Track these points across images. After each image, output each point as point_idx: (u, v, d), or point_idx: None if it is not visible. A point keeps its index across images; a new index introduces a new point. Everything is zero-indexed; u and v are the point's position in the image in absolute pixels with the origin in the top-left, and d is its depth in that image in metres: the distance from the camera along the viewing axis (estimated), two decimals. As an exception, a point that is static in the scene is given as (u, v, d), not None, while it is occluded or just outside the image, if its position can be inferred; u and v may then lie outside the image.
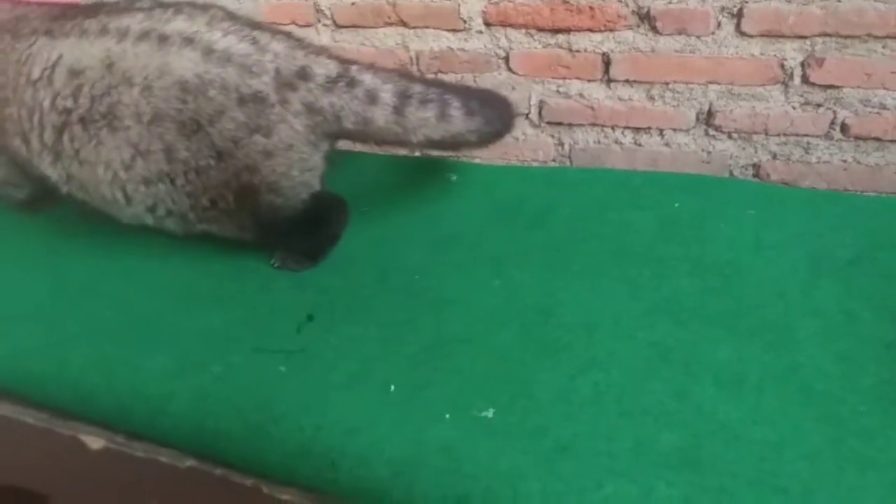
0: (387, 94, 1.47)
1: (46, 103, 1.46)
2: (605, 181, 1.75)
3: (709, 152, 2.21)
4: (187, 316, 1.38)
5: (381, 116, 1.47)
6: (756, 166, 2.19)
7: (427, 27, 2.33)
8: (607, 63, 2.20)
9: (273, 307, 1.41)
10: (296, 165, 1.47)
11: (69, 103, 1.44)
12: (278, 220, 1.49)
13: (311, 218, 1.51)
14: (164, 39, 1.42)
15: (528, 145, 2.36)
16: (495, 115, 1.61)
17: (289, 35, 1.52)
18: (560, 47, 2.23)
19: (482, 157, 2.36)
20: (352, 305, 1.41)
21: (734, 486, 1.01)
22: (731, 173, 2.21)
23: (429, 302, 1.41)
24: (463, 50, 2.31)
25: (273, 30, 1.51)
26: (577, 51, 2.22)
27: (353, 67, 1.49)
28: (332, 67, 1.47)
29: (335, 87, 1.45)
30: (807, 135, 2.13)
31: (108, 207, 1.52)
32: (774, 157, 2.17)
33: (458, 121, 1.52)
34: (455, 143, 1.58)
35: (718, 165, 2.21)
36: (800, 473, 1.04)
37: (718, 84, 2.15)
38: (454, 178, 1.78)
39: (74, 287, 1.47)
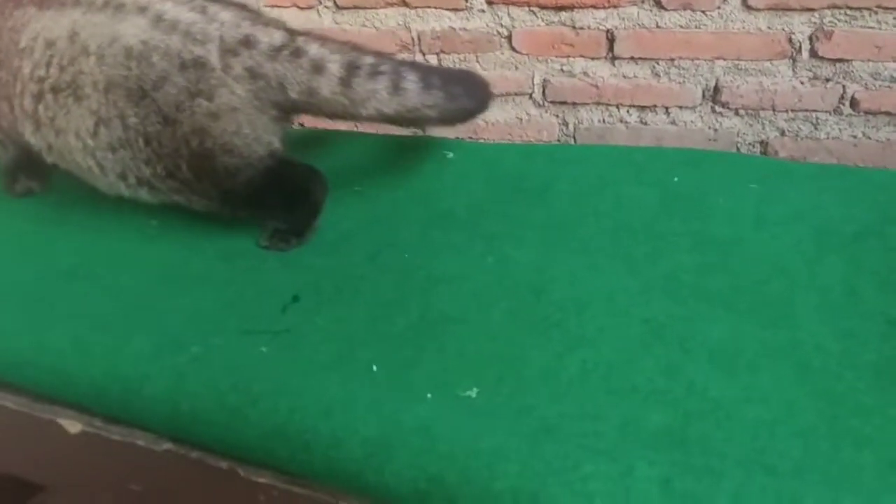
0: (334, 64, 1.44)
1: (26, 72, 1.48)
2: (606, 157, 1.70)
3: (715, 130, 2.15)
4: (172, 297, 1.34)
5: (326, 87, 1.43)
6: (764, 143, 2.13)
7: (428, 7, 2.29)
8: (611, 40, 2.15)
9: (260, 288, 1.37)
10: (245, 125, 1.45)
11: (43, 73, 1.47)
12: (240, 185, 1.46)
13: (286, 190, 1.48)
14: (119, 8, 1.44)
15: (531, 125, 2.31)
16: (462, 91, 1.55)
17: (242, 6, 1.50)
18: (563, 25, 2.18)
19: (486, 137, 2.31)
20: (340, 285, 1.36)
21: (720, 466, 0.96)
22: (738, 150, 2.15)
23: (419, 281, 1.36)
24: (465, 29, 2.26)
25: (226, 1, 1.50)
26: (581, 28, 2.17)
27: (301, 38, 1.47)
28: (277, 37, 1.45)
29: (279, 56, 1.43)
30: (815, 110, 2.08)
31: (87, 177, 1.53)
32: (782, 133, 2.11)
33: (413, 95, 1.47)
34: (414, 119, 1.54)
35: (725, 143, 2.16)
36: (791, 452, 0.99)
37: (725, 60, 2.09)
38: (450, 155, 1.72)
39: (60, 270, 1.43)
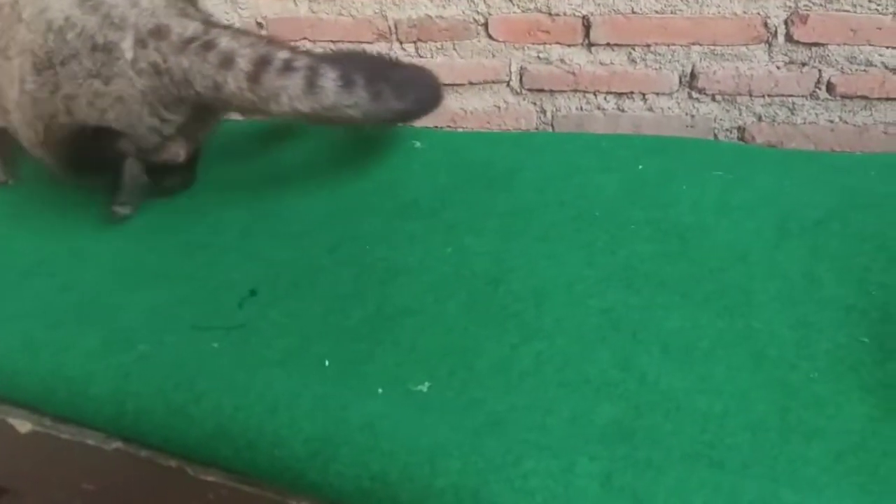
0: (243, 59, 1.41)
1: None
2: (574, 145, 1.67)
3: (693, 116, 2.13)
4: (128, 294, 1.33)
5: (232, 81, 1.41)
6: (741, 129, 2.11)
7: (405, -5, 2.25)
8: (587, 27, 2.13)
9: (218, 282, 1.35)
10: (123, 116, 1.46)
11: None
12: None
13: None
14: None
15: (509, 114, 2.29)
16: (392, 91, 1.49)
17: None
18: (539, 11, 2.16)
19: (464, 126, 2.29)
20: (298, 279, 1.35)
21: (664, 460, 0.94)
22: (715, 137, 2.13)
23: (378, 273, 1.35)
24: (441, 17, 2.24)
25: None
26: (557, 14, 2.15)
27: (215, 30, 1.44)
28: (190, 29, 1.44)
29: (187, 49, 1.42)
30: (792, 95, 2.05)
31: None
32: (759, 119, 2.09)
33: (331, 93, 1.42)
34: (337, 118, 1.46)
35: (703, 129, 2.13)
36: (740, 446, 0.97)
37: (701, 45, 2.07)
38: (417, 144, 1.70)
39: (17, 269, 1.41)
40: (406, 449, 0.97)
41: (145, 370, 1.13)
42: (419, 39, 2.30)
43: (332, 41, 2.36)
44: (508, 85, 2.27)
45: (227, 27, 1.47)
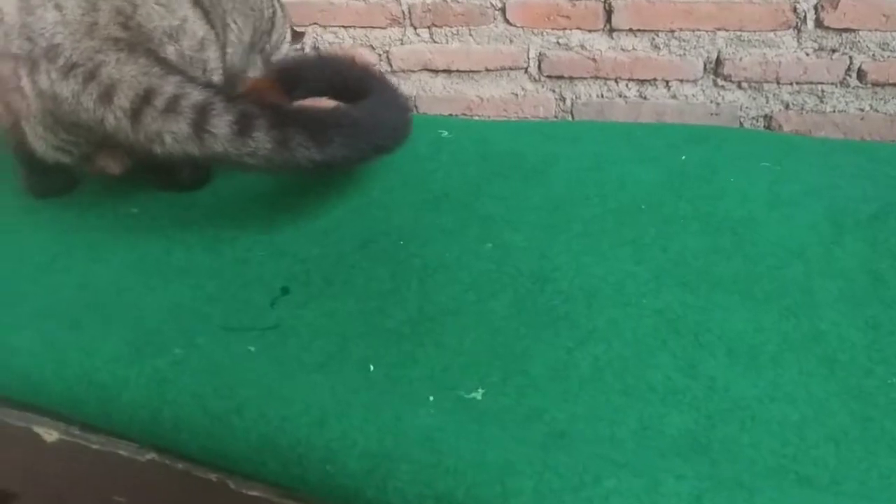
0: (123, 95, 1.25)
1: None
2: (605, 134, 1.61)
3: (718, 104, 2.06)
4: (153, 292, 1.25)
5: (111, 118, 1.26)
6: (768, 117, 2.04)
7: (420, -22, 2.17)
8: (609, 12, 2.06)
9: (247, 280, 1.28)
10: (29, 133, 1.36)
11: None
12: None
13: None
14: None
15: (527, 101, 2.21)
16: (306, 138, 1.25)
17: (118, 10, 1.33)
18: (559, -4, 2.07)
19: (480, 114, 2.22)
20: (330, 276, 1.27)
21: (752, 478, 0.87)
22: (741, 125, 2.06)
23: (414, 270, 1.27)
24: (457, 1, 2.16)
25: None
26: (577, -1, 2.06)
27: (101, 56, 1.27)
28: (76, 53, 1.27)
29: (70, 75, 1.27)
30: (821, 82, 1.99)
31: None
32: (787, 107, 2.02)
33: (223, 139, 1.23)
34: (236, 165, 1.28)
35: (728, 117, 2.06)
36: (825, 459, 0.91)
37: (727, 31, 2.00)
38: (445, 134, 1.63)
39: (33, 265, 1.33)
40: (472, 466, 0.89)
41: (181, 375, 1.05)
42: (434, 24, 2.22)
43: (343, 26, 2.28)
44: (527, 71, 2.20)
45: (127, 45, 1.29)
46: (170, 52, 1.36)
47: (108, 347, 1.10)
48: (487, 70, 2.22)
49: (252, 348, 1.11)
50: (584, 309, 1.15)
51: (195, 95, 1.25)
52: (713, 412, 0.98)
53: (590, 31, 2.12)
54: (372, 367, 1.08)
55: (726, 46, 2.03)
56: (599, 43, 2.12)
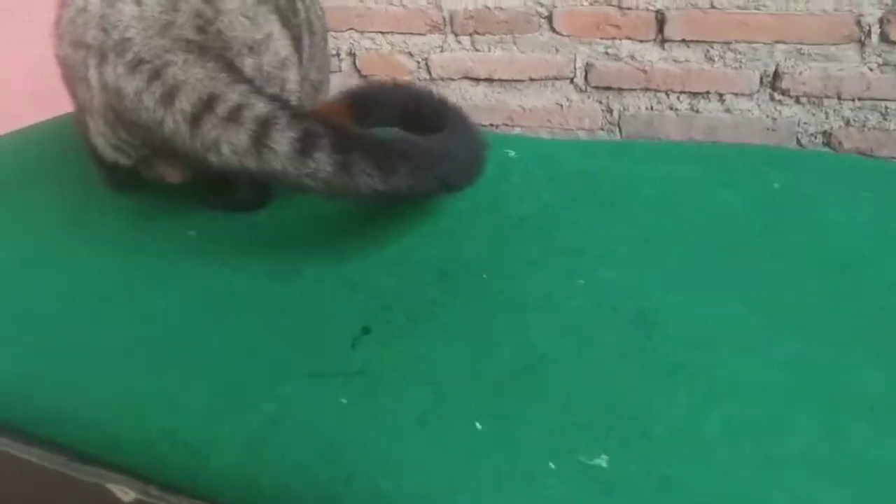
0: (185, 97, 1.16)
1: None
2: (683, 156, 1.49)
3: (774, 119, 1.93)
4: (224, 329, 1.12)
5: (170, 121, 1.17)
6: (827, 134, 1.92)
7: (462, -16, 2.04)
8: (661, 21, 1.93)
9: (322, 315, 1.15)
10: (91, 127, 1.28)
11: None
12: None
13: None
14: None
15: (572, 112, 2.08)
16: (371, 165, 1.14)
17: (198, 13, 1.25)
18: (609, 4, 1.96)
19: (523, 125, 2.09)
20: (411, 313, 1.14)
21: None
22: (798, 141, 1.94)
23: (502, 307, 1.15)
24: (500, 8, 2.03)
25: None
26: (628, 8, 1.95)
27: (169, 56, 1.18)
28: (145, 49, 1.19)
29: (135, 72, 1.19)
30: (885, 99, 1.87)
31: None
32: (848, 123, 1.90)
33: (282, 157, 1.13)
34: (294, 186, 1.16)
35: (785, 133, 1.94)
36: None
37: (786, 43, 1.88)
38: (512, 154, 1.50)
39: (91, 294, 1.20)
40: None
41: (276, 436, 0.92)
42: (476, 32, 2.09)
43: (381, 32, 2.15)
44: (572, 82, 2.07)
45: (194, 47, 1.20)
46: (247, 64, 1.27)
47: (191, 400, 0.98)
48: (531, 79, 2.09)
49: (344, 400, 0.98)
50: (701, 359, 1.03)
51: (259, 107, 1.15)
52: (873, 488, 0.85)
53: (641, 41, 1.99)
54: (479, 426, 0.95)
55: (785, 60, 1.91)
56: (650, 53, 1.99)
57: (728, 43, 1.94)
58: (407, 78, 2.17)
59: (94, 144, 1.31)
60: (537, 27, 2.06)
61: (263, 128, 1.13)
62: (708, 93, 2.00)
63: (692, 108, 2.02)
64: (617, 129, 2.10)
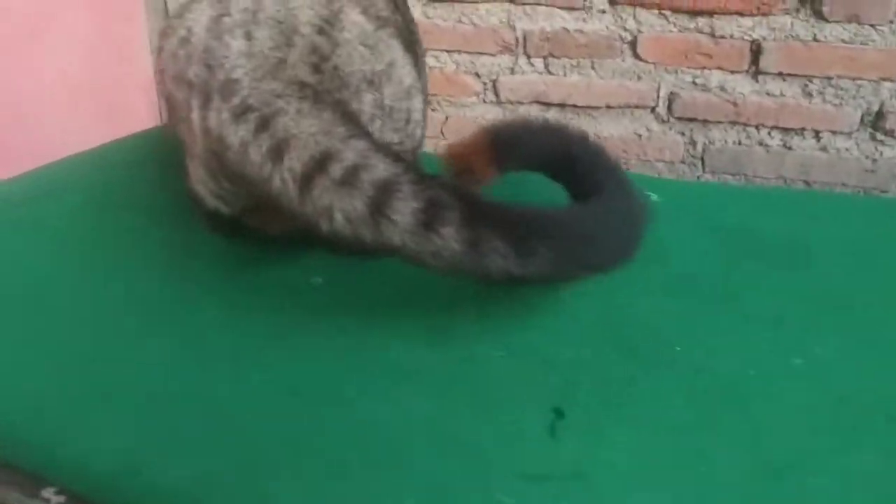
0: (295, 154, 0.94)
1: None
2: (848, 205, 1.30)
3: (874, 160, 1.77)
4: (394, 408, 0.91)
5: (278, 180, 0.95)
6: (932, 178, 1.76)
7: (539, 4, 1.85)
8: (757, 52, 1.76)
9: (499, 394, 0.95)
10: (192, 172, 1.10)
11: None
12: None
13: None
14: None
15: (652, 143, 1.90)
16: (507, 246, 0.92)
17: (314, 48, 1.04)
18: (700, 32, 1.77)
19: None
20: (606, 392, 0.95)
21: None
22: (900, 184, 1.77)
23: (713, 393, 0.95)
24: (580, 31, 1.84)
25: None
26: (722, 37, 1.76)
27: (280, 103, 0.97)
28: (254, 94, 0.98)
29: (241, 119, 0.97)
30: None
31: None
32: (957, 167, 1.73)
33: (402, 229, 0.91)
34: (413, 261, 0.95)
35: (885, 175, 1.78)
36: None
37: (893, 81, 1.70)
38: (654, 197, 1.30)
39: (219, 362, 0.98)
40: None
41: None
42: (551, 55, 1.89)
43: (447, 50, 1.93)
44: (654, 111, 1.88)
45: (309, 92, 0.99)
46: (366, 101, 1.06)
47: None
48: (609, 107, 1.90)
49: None
50: None
51: (380, 170, 0.93)
52: None
53: (732, 72, 1.82)
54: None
55: (891, 98, 1.75)
56: (742, 85, 1.82)
57: (829, 78, 1.77)
58: (472, 99, 1.96)
59: (194, 190, 1.10)
60: (619, 52, 1.88)
61: (383, 194, 0.92)
62: (803, 129, 1.83)
63: (784, 145, 1.85)
64: (700, 162, 1.91)
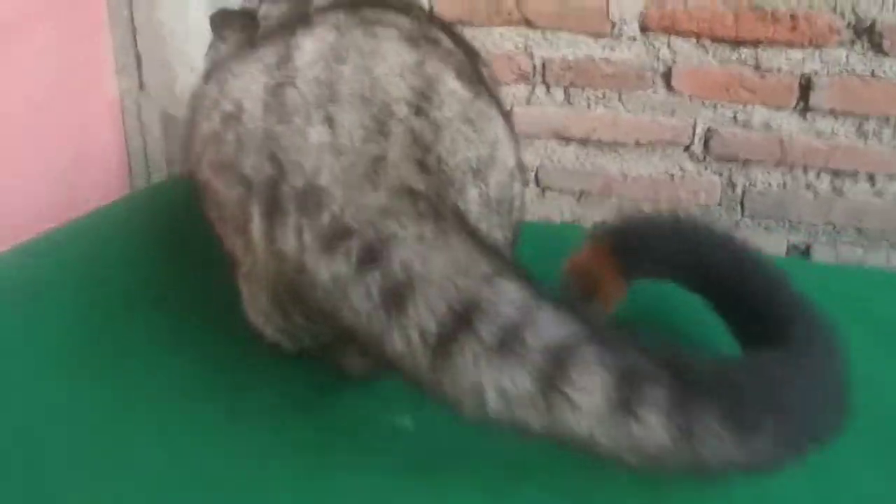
0: (424, 305, 0.65)
1: None
2: None
3: (934, 206, 1.55)
4: None
5: (399, 339, 0.66)
6: None
7: (560, 29, 1.59)
8: (806, 87, 1.53)
9: None
10: (246, 296, 0.82)
11: None
12: None
13: None
14: None
15: (685, 183, 1.66)
16: (747, 423, 0.64)
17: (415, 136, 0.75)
18: (744, 64, 1.54)
19: (621, 194, 1.66)
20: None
21: None
22: (962, 234, 1.57)
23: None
24: (607, 60, 1.60)
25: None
26: (768, 70, 1.54)
27: (391, 225, 0.68)
28: (350, 211, 0.69)
29: (335, 248, 0.68)
30: None
31: None
32: None
33: (590, 413, 0.63)
34: (591, 452, 0.64)
35: (943, 225, 1.57)
36: None
37: (958, 122, 1.49)
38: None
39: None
40: None
41: None
42: (573, 84, 1.65)
43: (456, 78, 1.66)
44: (688, 149, 1.65)
45: (449, 224, 0.70)
46: (471, 198, 0.77)
47: None
48: (637, 143, 1.66)
49: None
50: None
51: (549, 327, 0.64)
52: None
53: (778, 108, 1.59)
54: None
55: (954, 141, 1.54)
56: (789, 123, 1.59)
57: (888, 118, 1.55)
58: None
59: (250, 319, 0.81)
60: (651, 84, 1.63)
61: (556, 363, 0.63)
62: (856, 172, 1.61)
63: (834, 189, 1.63)
64: (739, 206, 1.68)
